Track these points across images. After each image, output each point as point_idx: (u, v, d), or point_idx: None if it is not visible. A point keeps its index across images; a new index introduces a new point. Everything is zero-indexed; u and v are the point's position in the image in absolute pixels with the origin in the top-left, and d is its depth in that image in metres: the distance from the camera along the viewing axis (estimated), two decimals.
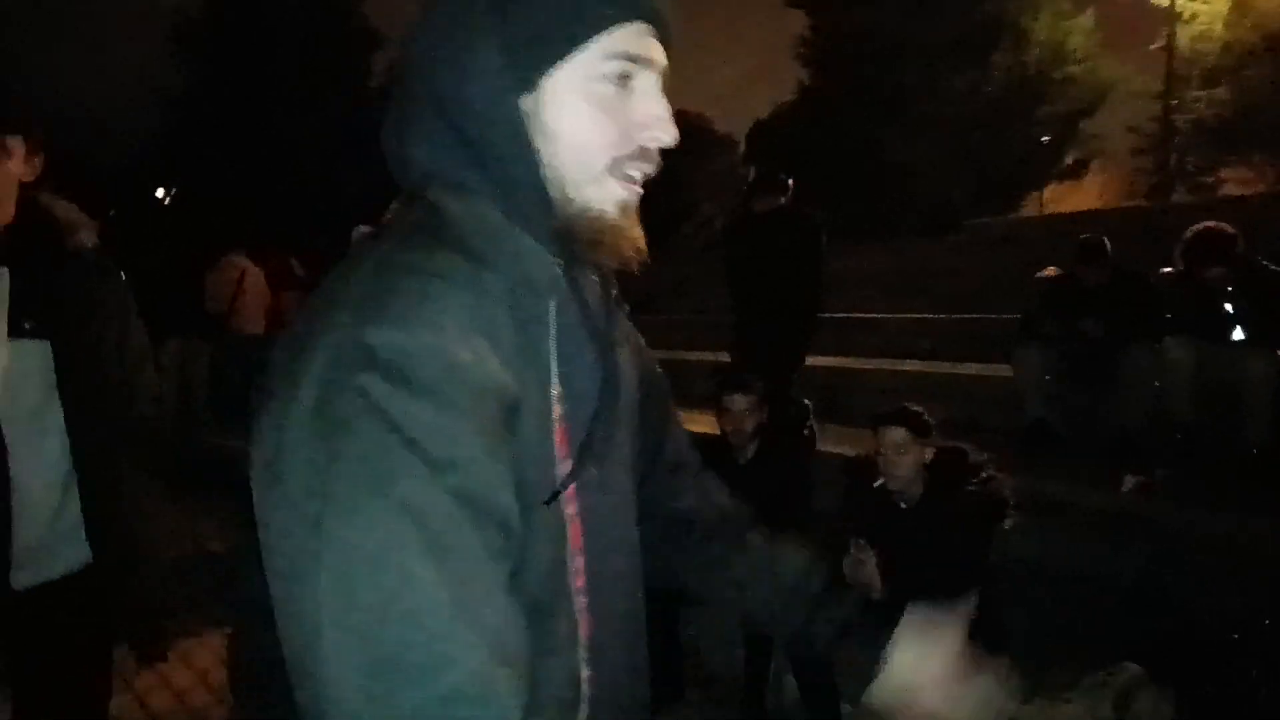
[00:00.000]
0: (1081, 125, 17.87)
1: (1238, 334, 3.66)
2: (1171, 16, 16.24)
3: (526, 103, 0.67)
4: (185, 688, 3.14)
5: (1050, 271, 5.27)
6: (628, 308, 0.83)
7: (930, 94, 15.81)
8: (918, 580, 2.30)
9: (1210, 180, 19.41)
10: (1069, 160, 18.35)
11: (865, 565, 2.21)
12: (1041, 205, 19.77)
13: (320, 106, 16.46)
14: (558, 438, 0.68)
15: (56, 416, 1.40)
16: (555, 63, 0.66)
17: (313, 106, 16.37)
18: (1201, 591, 2.76)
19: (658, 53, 0.70)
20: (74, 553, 1.46)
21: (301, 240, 9.03)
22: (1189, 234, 3.79)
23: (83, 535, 1.45)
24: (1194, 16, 18.22)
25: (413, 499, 0.55)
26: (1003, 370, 4.56)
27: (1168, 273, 4.31)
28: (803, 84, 20.70)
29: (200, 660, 3.29)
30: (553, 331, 0.69)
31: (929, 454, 2.37)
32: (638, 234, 0.73)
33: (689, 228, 23.17)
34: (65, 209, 1.48)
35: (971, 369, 5.11)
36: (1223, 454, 3.61)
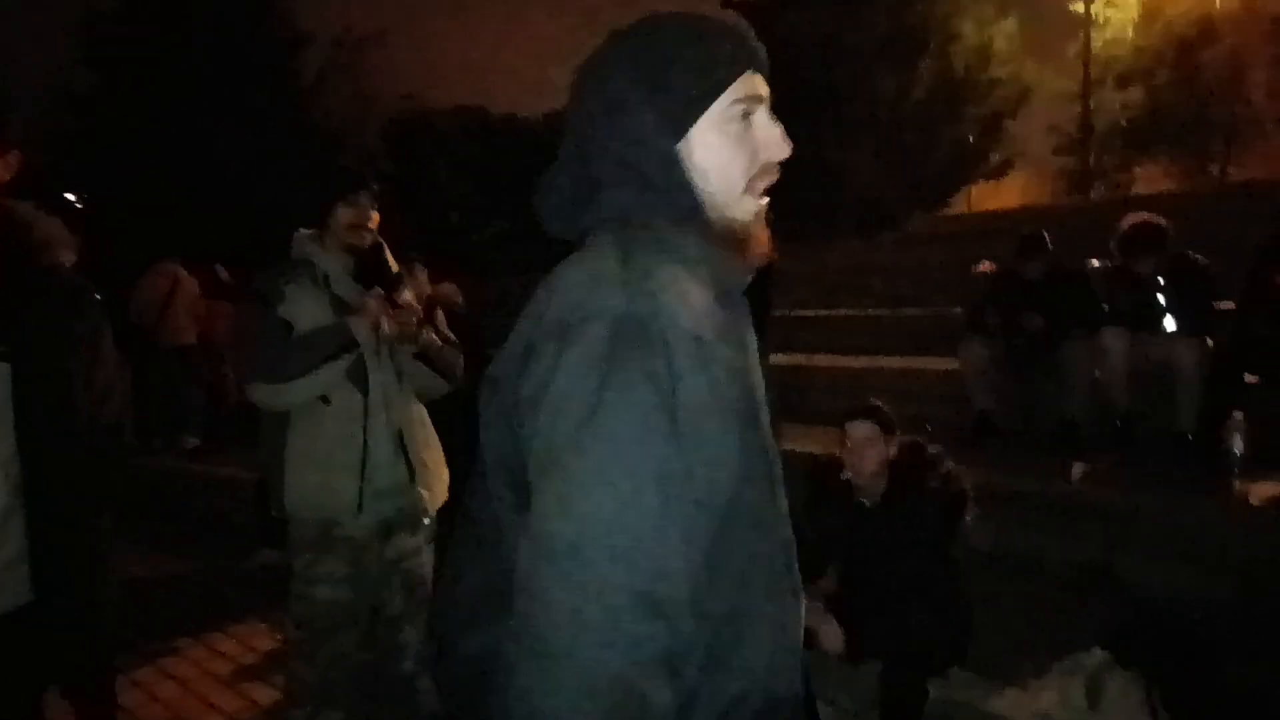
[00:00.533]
0: (1006, 126, 18.56)
1: (1169, 323, 3.81)
2: (1087, 21, 17.01)
3: (681, 149, 0.87)
4: None
5: (986, 266, 5.41)
6: None
7: (863, 96, 16.17)
8: (884, 578, 2.32)
9: (1125, 178, 20.40)
10: (995, 160, 19.03)
11: (829, 633, 2.21)
12: (969, 204, 20.45)
13: (245, 109, 15.83)
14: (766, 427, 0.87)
15: (3, 445, 1.27)
16: (697, 116, 0.87)
17: (237, 109, 15.73)
18: (1153, 572, 2.86)
19: (765, 89, 0.91)
20: (9, 593, 1.32)
21: (228, 246, 8.64)
22: (1123, 226, 3.93)
23: (22, 574, 1.31)
24: (1107, 22, 19.15)
25: (659, 454, 0.72)
26: (942, 364, 4.66)
27: (1099, 266, 4.47)
28: None
29: (127, 699, 3.07)
30: (751, 333, 0.89)
31: (893, 450, 2.38)
32: (767, 236, 0.92)
33: None
34: (44, 222, 1.35)
35: (913, 363, 5.20)
36: (1159, 438, 3.75)
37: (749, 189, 0.89)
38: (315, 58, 17.95)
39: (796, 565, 0.91)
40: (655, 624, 0.71)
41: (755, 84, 0.89)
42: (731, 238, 0.88)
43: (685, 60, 0.86)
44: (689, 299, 0.79)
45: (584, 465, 0.72)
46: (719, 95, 0.86)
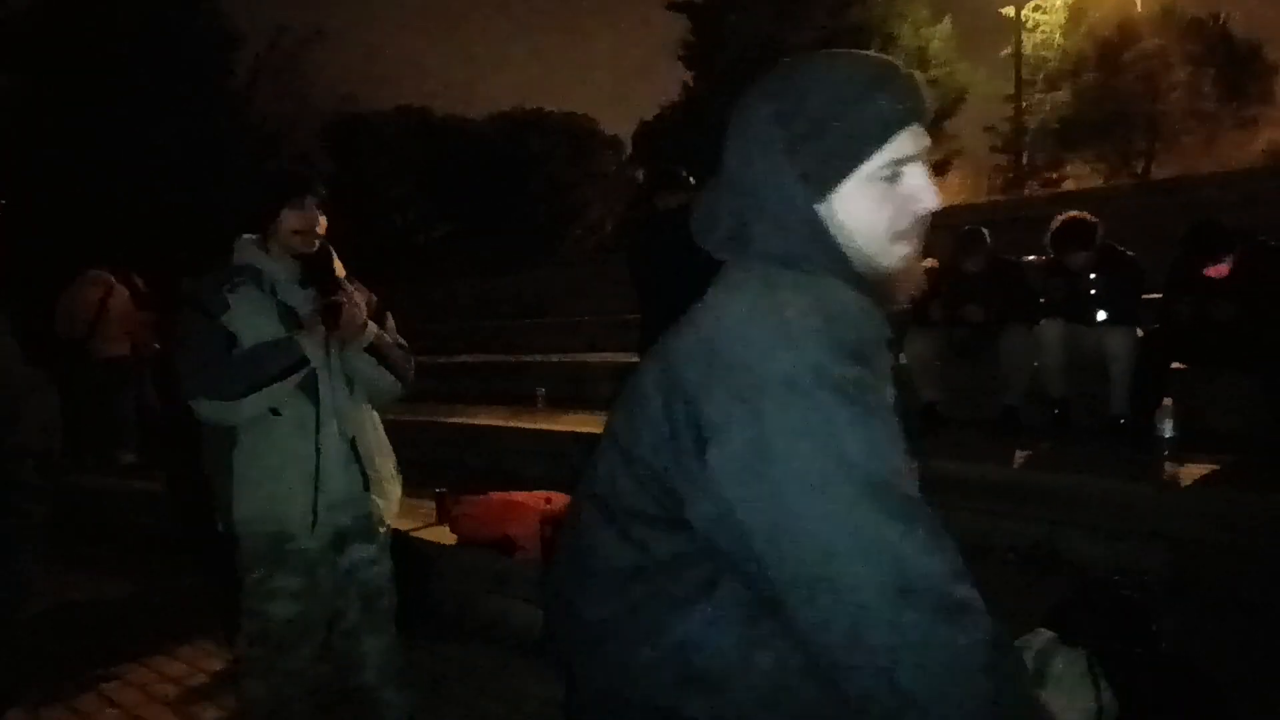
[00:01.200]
0: (944, 126, 19.10)
1: (1100, 314, 3.97)
2: (1017, 25, 17.61)
3: (822, 209, 0.88)
4: None
5: (928, 262, 5.56)
6: None
7: None
8: None
9: (1055, 176, 21.20)
10: (934, 159, 19.56)
11: None
12: None
13: (174, 109, 15.25)
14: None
15: None
16: (839, 182, 0.87)
17: (165, 109, 15.14)
18: (1091, 549, 2.99)
19: (923, 141, 0.90)
20: None
21: (150, 252, 8.30)
22: (1056, 223, 4.09)
23: None
24: (1037, 26, 19.85)
25: (871, 474, 0.77)
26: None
27: (1034, 260, 4.64)
28: (685, 85, 21.08)
29: None
30: (891, 380, 0.89)
31: None
32: (918, 270, 0.92)
33: (579, 230, 23.11)
34: None
35: None
36: (1094, 422, 3.92)
37: (897, 240, 0.89)
38: (250, 57, 17.40)
39: None
40: (969, 626, 0.78)
41: (911, 141, 0.87)
42: (879, 285, 0.89)
43: (832, 122, 0.84)
44: (847, 345, 0.80)
45: (850, 524, 0.76)
46: (864, 161, 0.86)
